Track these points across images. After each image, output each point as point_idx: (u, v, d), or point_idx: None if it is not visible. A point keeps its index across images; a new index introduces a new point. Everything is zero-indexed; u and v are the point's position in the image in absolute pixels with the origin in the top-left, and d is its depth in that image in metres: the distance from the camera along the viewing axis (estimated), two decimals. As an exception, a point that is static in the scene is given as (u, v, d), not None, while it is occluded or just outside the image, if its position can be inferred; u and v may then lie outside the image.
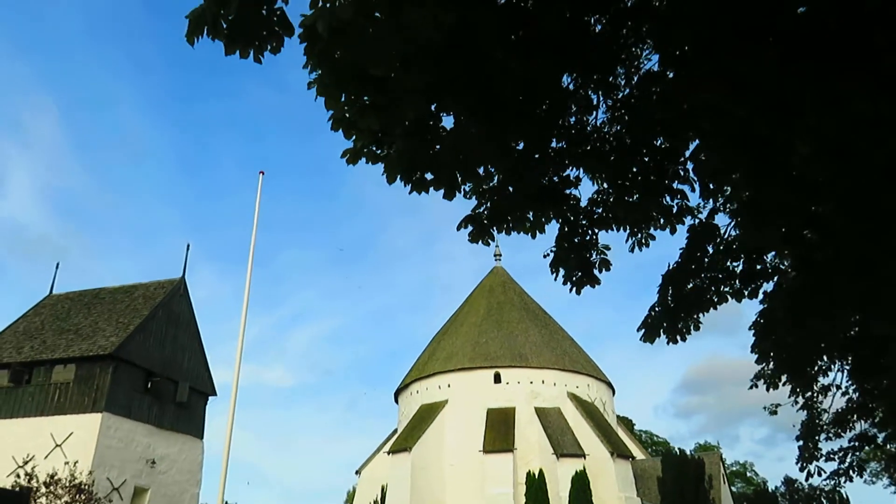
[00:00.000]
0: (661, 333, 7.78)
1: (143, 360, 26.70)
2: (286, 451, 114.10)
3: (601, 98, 6.72)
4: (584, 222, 7.78)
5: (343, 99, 5.13)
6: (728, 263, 7.59)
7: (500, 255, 55.68)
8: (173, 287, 29.14)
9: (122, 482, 24.51)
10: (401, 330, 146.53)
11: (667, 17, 5.34)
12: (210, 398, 30.35)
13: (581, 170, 6.63)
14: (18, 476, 21.29)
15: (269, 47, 4.56)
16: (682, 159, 7.25)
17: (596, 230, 7.94)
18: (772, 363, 10.46)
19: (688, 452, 40.72)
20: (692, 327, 7.71)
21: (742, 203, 7.88)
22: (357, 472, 48.82)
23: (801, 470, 12.22)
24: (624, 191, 6.63)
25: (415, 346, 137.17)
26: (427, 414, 43.67)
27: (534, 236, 7.47)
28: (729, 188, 8.09)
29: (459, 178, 6.02)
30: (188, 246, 30.03)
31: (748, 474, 66.64)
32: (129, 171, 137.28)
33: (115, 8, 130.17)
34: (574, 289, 8.16)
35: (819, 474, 12.70)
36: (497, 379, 43.71)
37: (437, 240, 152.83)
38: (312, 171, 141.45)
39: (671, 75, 6.32)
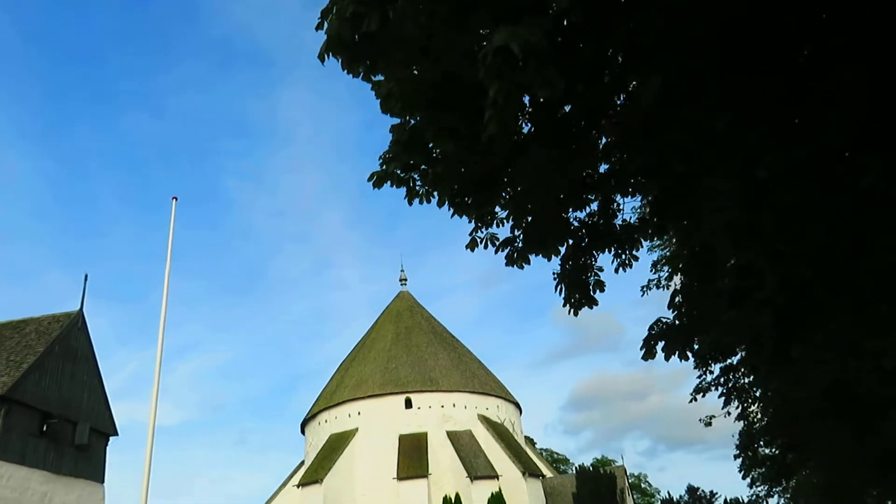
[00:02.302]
0: (673, 350, 8.14)
1: (39, 401, 24.43)
2: (178, 493, 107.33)
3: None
4: (585, 244, 8.11)
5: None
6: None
7: (406, 279, 55.82)
8: (70, 320, 26.96)
9: (17, 537, 22.23)
10: (294, 360, 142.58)
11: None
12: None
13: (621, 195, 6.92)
14: None
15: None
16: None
17: (597, 252, 8.28)
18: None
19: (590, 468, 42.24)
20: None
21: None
22: (262, 510, 46.80)
23: (745, 476, 13.04)
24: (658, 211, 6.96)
25: (310, 377, 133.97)
26: (337, 443, 42.74)
27: (549, 259, 7.71)
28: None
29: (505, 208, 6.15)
30: (86, 277, 28.02)
31: (642, 485, 69.73)
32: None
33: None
34: (572, 311, 8.42)
35: (756, 481, 13.59)
36: (408, 404, 43.54)
37: (326, 268, 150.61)
38: (195, 199, 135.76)
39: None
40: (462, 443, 41.92)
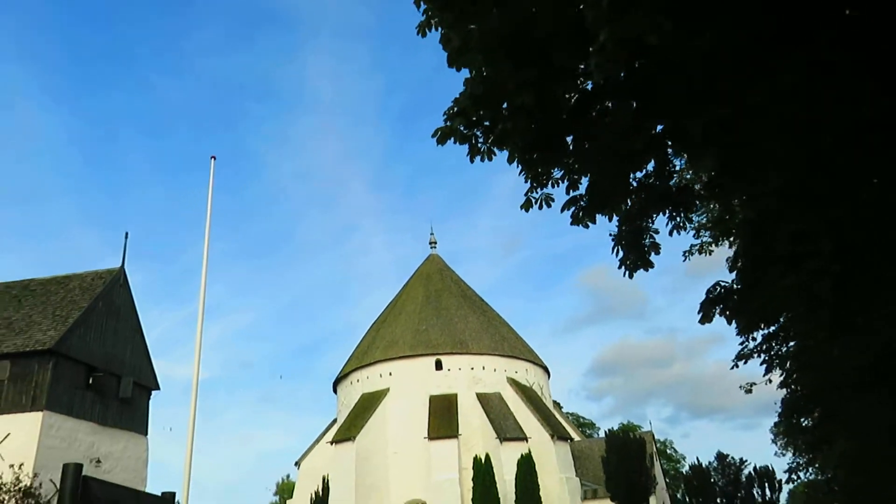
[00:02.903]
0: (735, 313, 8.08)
1: (84, 355, 25.21)
2: (208, 447, 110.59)
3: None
4: (642, 205, 8.01)
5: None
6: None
7: (435, 242, 55.91)
8: (112, 277, 27.59)
9: (67, 484, 23.10)
10: (320, 322, 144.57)
11: None
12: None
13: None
14: (-44, 481, 19.73)
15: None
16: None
17: (654, 214, 8.18)
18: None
19: (619, 432, 42.35)
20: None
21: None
22: (296, 464, 47.96)
23: (787, 446, 12.98)
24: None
25: (336, 338, 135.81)
26: (369, 403, 43.42)
27: (611, 219, 7.65)
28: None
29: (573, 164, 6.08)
30: (126, 234, 28.39)
31: (668, 451, 69.98)
32: (29, 166, 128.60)
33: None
34: (627, 273, 8.37)
35: (799, 449, 13.51)
36: (438, 366, 43.95)
37: (351, 231, 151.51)
38: (221, 162, 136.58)
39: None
40: (491, 405, 42.33)
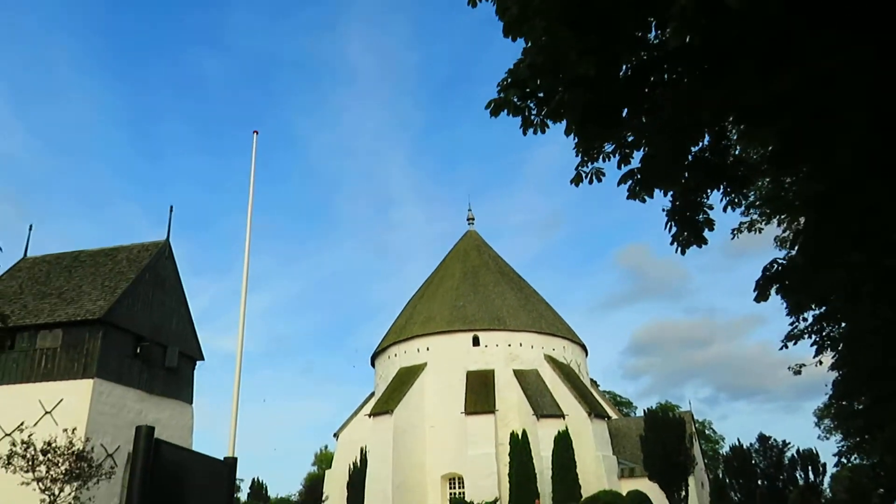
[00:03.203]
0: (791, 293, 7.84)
1: (132, 325, 25.87)
2: (249, 417, 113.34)
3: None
4: (698, 180, 7.78)
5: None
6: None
7: (473, 218, 55.74)
8: (158, 249, 28.17)
9: (116, 448, 23.89)
10: (357, 296, 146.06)
11: None
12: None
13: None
14: (14, 444, 20.49)
15: None
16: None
17: (709, 189, 7.94)
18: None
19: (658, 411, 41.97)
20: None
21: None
22: (335, 436, 48.83)
23: (835, 429, 12.67)
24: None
25: (372, 313, 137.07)
26: (406, 377, 43.85)
27: (665, 194, 7.46)
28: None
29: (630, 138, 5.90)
30: (171, 208, 28.90)
31: (706, 432, 69.29)
32: (74, 133, 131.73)
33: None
34: (679, 249, 8.16)
35: (848, 433, 13.18)
36: (476, 342, 44.09)
37: (388, 206, 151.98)
38: (263, 137, 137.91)
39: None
40: (528, 381, 42.38)
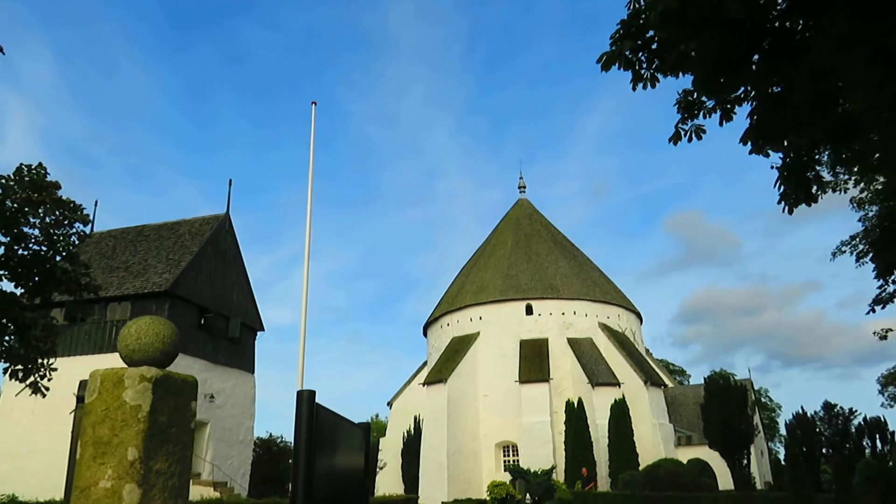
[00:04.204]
0: None
1: (196, 297, 26.39)
2: (295, 387, 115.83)
3: None
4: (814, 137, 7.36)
5: None
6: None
7: (525, 187, 55.14)
8: (219, 223, 28.57)
9: (186, 417, 24.55)
10: (407, 267, 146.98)
11: None
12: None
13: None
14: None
15: None
16: None
17: (823, 148, 7.52)
18: None
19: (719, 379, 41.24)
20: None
21: None
22: (388, 404, 49.48)
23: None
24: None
25: (420, 283, 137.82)
26: (459, 346, 43.98)
27: (777, 150, 7.09)
28: None
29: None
30: (230, 182, 29.24)
31: (762, 400, 68.06)
32: (129, 112, 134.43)
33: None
34: (787, 208, 7.78)
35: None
36: (529, 311, 43.87)
37: (435, 179, 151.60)
38: (307, 111, 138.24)
39: None
40: (583, 350, 42.07)
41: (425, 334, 50.62)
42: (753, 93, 6.84)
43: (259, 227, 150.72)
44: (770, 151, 6.62)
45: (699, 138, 7.50)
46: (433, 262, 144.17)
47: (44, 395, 12.25)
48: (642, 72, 6.19)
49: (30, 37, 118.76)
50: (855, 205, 20.12)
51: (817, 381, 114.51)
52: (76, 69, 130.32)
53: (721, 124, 7.54)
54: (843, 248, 21.04)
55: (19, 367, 11.64)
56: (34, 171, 10.09)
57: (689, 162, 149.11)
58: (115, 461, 3.47)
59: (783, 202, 7.74)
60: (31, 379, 11.86)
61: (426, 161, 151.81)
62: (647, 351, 53.74)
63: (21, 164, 10.05)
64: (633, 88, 6.28)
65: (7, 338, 11.11)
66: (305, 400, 3.46)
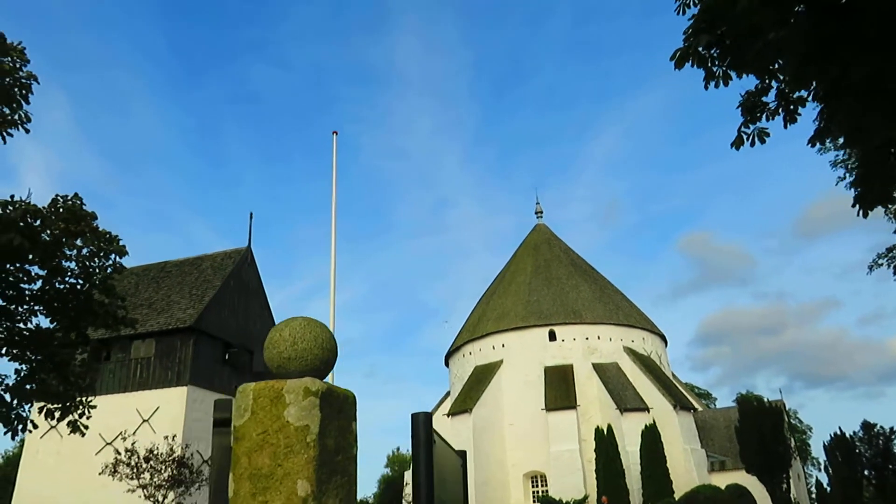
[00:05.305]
0: None
1: (220, 331, 26.17)
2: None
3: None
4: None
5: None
6: None
7: (542, 212, 54.85)
8: (241, 256, 28.46)
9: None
10: (417, 298, 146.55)
11: None
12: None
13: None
14: (118, 452, 20.86)
15: None
16: None
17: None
18: None
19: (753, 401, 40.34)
20: None
21: None
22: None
23: None
24: None
25: (439, 313, 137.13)
26: (483, 375, 43.32)
27: (851, 148, 6.74)
28: None
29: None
30: (251, 215, 29.22)
31: (792, 422, 66.55)
32: (143, 153, 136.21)
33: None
34: (861, 211, 7.42)
35: None
36: (552, 336, 43.23)
37: (447, 208, 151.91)
38: (317, 149, 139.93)
39: None
40: (609, 375, 41.31)
41: (447, 364, 50.00)
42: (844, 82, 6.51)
43: (272, 261, 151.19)
44: (846, 149, 6.26)
45: (762, 142, 7.18)
46: (448, 290, 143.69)
47: (83, 434, 11.94)
48: (714, 69, 5.90)
49: (45, 81, 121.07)
50: (892, 215, 19.69)
51: (842, 401, 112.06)
52: (90, 112, 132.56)
53: (785, 126, 7.22)
54: (880, 261, 20.51)
55: (57, 405, 11.34)
56: (70, 202, 9.92)
57: (697, 183, 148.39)
58: (281, 498, 2.77)
59: (857, 205, 7.37)
60: (70, 417, 11.53)
61: (437, 190, 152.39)
62: (674, 374, 52.86)
63: (56, 195, 9.90)
64: (706, 87, 6.00)
65: (43, 376, 10.85)
66: (422, 423, 3.12)
